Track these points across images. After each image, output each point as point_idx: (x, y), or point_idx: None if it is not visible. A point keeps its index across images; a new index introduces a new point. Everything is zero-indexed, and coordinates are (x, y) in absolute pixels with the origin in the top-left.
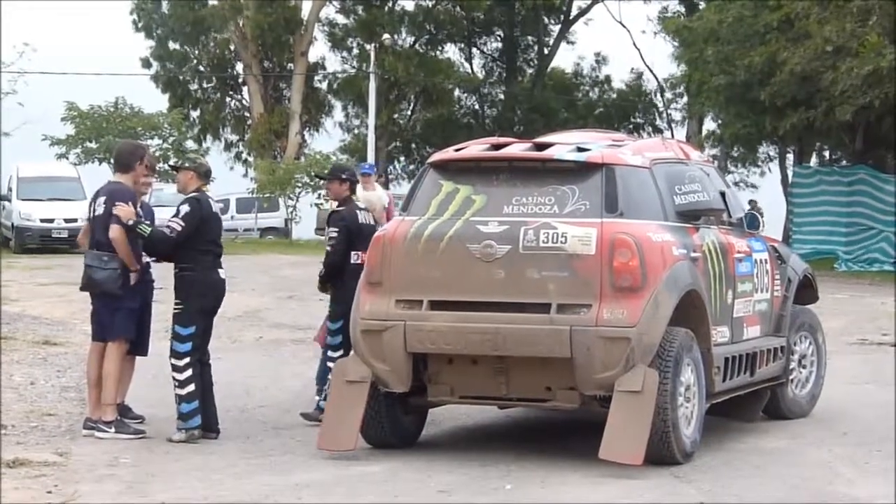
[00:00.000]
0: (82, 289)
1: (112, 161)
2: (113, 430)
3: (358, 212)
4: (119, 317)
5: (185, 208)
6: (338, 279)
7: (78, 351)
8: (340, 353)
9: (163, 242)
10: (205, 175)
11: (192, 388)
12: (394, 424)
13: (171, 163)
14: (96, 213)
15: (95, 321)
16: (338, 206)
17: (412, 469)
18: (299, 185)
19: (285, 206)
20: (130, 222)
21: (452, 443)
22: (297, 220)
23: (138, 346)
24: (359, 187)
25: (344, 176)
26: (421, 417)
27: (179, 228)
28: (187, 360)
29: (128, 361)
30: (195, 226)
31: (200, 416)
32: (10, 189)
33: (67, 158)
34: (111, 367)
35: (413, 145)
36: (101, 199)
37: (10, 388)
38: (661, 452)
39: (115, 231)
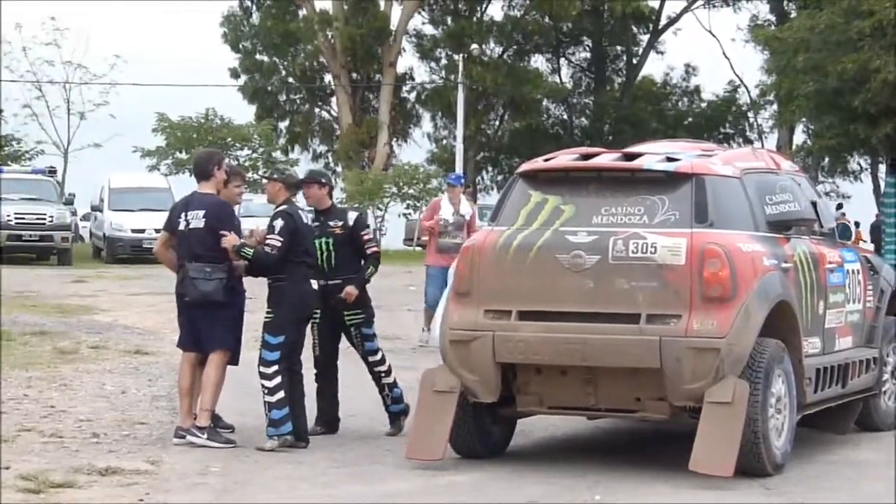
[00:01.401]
0: (189, 301)
1: (193, 172)
2: (205, 436)
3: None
4: (223, 327)
5: (279, 223)
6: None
7: (169, 360)
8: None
9: (266, 262)
10: (294, 186)
11: (281, 394)
12: (482, 434)
13: (263, 173)
14: (191, 227)
15: (189, 331)
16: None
17: (500, 479)
18: (387, 195)
19: (374, 217)
20: (235, 248)
21: (541, 453)
22: (384, 231)
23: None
24: (445, 197)
25: (323, 181)
26: (509, 427)
27: (279, 244)
28: (276, 367)
29: (223, 367)
30: (290, 239)
31: (291, 423)
32: (101, 200)
33: (158, 169)
34: (215, 376)
35: (501, 156)
36: (199, 213)
37: (102, 396)
38: (752, 464)
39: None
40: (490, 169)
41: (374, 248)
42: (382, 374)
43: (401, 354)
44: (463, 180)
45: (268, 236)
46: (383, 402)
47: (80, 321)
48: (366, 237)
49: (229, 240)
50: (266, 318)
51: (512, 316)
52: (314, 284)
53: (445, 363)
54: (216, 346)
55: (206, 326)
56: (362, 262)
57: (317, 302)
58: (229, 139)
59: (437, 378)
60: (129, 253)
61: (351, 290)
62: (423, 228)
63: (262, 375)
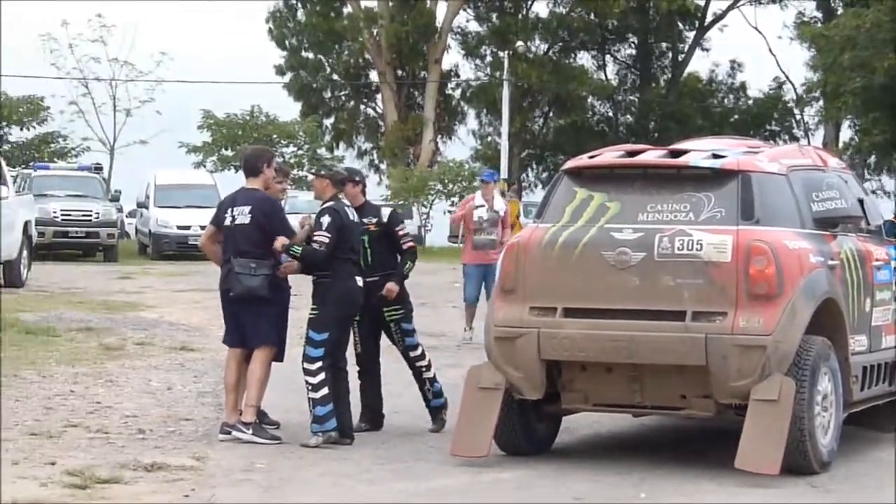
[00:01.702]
0: (233, 296)
1: (242, 168)
2: (251, 431)
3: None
4: (267, 323)
5: (326, 220)
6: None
7: (214, 357)
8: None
9: (314, 258)
10: (340, 183)
11: (325, 391)
12: (527, 431)
13: (309, 170)
14: (237, 222)
15: (234, 327)
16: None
17: (545, 476)
18: (432, 192)
19: (418, 214)
20: (284, 247)
21: (586, 450)
22: (429, 228)
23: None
24: (477, 193)
25: (357, 178)
26: (555, 424)
27: (327, 241)
28: (319, 364)
29: (267, 364)
30: (337, 235)
31: (336, 420)
32: (147, 196)
33: (204, 166)
34: (260, 372)
35: (546, 153)
36: (245, 209)
37: (148, 392)
38: (798, 462)
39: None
40: (535, 166)
41: (410, 243)
42: (423, 369)
43: (445, 351)
44: (496, 177)
45: (315, 233)
46: (424, 398)
47: (126, 318)
48: (401, 232)
49: (279, 241)
50: (311, 314)
51: (557, 313)
52: (359, 281)
53: (490, 360)
54: (261, 343)
55: (251, 322)
56: (398, 257)
57: (361, 299)
58: (274, 136)
59: (483, 375)
60: (175, 249)
61: (392, 287)
62: (453, 221)
63: (306, 372)
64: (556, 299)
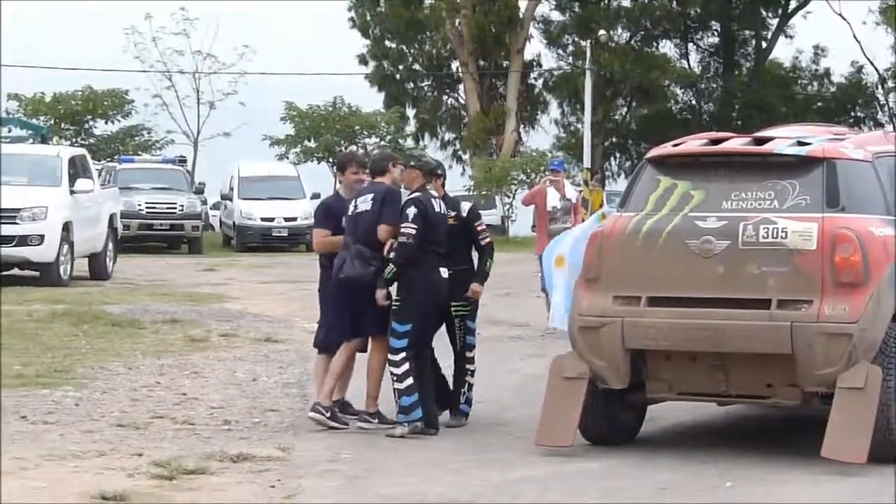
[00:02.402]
0: (343, 278)
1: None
2: (377, 420)
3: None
4: (381, 312)
5: (411, 211)
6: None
7: (300, 348)
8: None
9: (404, 252)
10: (430, 174)
11: (410, 381)
12: (612, 421)
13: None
14: (359, 210)
15: (350, 321)
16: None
17: (631, 466)
18: (515, 182)
19: (501, 204)
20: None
21: (671, 440)
22: (513, 218)
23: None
24: (548, 181)
25: (439, 171)
26: (639, 414)
27: (413, 232)
28: (403, 354)
29: (350, 358)
30: (424, 226)
31: (422, 409)
32: (231, 189)
33: (287, 158)
34: (377, 362)
35: (629, 142)
36: (369, 197)
37: (234, 384)
38: (885, 450)
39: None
40: (618, 155)
41: (488, 239)
42: (468, 373)
43: (529, 341)
44: (565, 166)
45: (402, 225)
46: (451, 395)
47: (211, 309)
48: (479, 227)
49: (381, 230)
50: (394, 305)
51: (641, 302)
52: (444, 273)
53: (575, 350)
54: (376, 331)
55: (364, 310)
56: (474, 252)
57: (445, 290)
58: (357, 127)
59: (567, 364)
60: (259, 241)
61: (477, 289)
62: (524, 202)
63: (391, 363)
64: (639, 288)
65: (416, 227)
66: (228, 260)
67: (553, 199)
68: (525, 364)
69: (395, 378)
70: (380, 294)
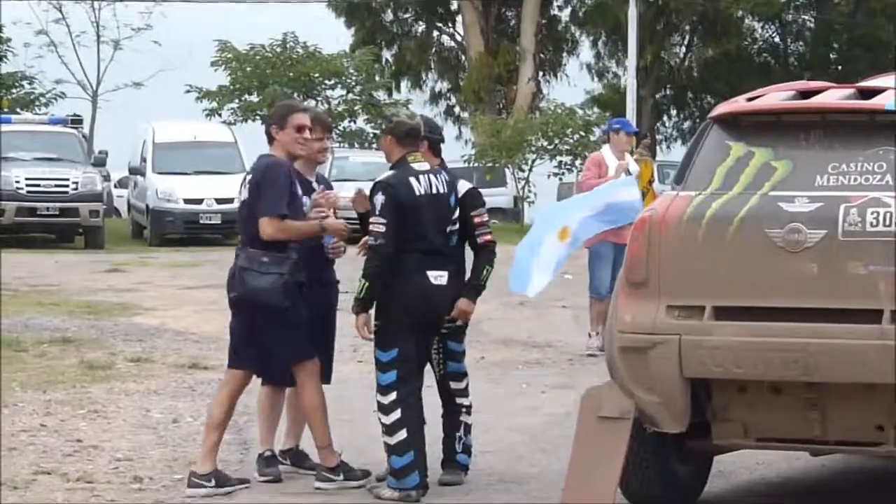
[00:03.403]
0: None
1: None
2: (342, 476)
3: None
4: (287, 335)
5: (378, 199)
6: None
7: None
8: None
9: (377, 257)
10: (406, 137)
11: (402, 435)
12: (665, 476)
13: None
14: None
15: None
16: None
17: None
18: (532, 149)
19: (514, 180)
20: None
21: (746, 501)
22: (530, 199)
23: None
24: (606, 149)
25: (427, 133)
26: (703, 467)
27: (383, 229)
28: (393, 395)
29: (278, 394)
30: (397, 218)
31: (419, 473)
32: (143, 160)
33: (220, 116)
34: (310, 401)
35: (688, 94)
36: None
37: (147, 427)
38: None
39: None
40: (673, 113)
41: (488, 236)
42: (462, 410)
43: (553, 367)
44: (634, 128)
45: (371, 220)
46: (447, 447)
47: (117, 325)
48: (477, 219)
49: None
50: (374, 327)
51: (705, 314)
52: (431, 277)
53: (614, 379)
54: (297, 359)
55: (270, 335)
56: (467, 248)
57: (436, 297)
58: (315, 74)
59: (604, 399)
60: (182, 231)
61: (465, 307)
62: (587, 184)
63: (379, 406)
64: (703, 295)
65: (385, 220)
66: (140, 257)
67: (611, 169)
68: (547, 399)
69: (383, 429)
70: (359, 322)
